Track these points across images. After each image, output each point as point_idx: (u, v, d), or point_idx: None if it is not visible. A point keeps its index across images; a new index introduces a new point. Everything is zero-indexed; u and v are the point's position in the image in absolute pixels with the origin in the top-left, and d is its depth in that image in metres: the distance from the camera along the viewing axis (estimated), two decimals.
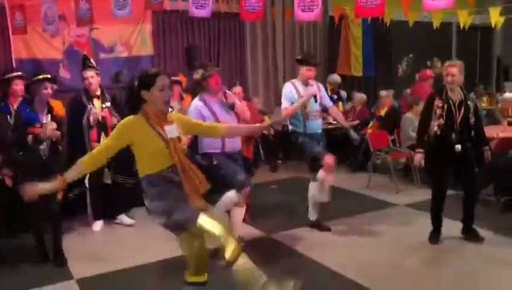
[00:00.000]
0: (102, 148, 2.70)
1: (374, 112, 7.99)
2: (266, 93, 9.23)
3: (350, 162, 7.77)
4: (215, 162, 4.06)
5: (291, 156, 7.91)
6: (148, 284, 3.77)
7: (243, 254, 2.60)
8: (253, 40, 9.06)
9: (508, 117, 7.51)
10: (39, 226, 4.32)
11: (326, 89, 8.45)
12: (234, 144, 4.20)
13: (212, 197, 4.17)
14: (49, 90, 4.09)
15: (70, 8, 6.44)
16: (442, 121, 4.17)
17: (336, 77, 8.78)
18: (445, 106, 4.18)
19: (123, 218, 5.21)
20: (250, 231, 4.83)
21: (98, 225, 5.06)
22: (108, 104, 4.85)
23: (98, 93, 4.86)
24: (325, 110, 5.02)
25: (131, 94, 2.73)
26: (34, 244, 4.30)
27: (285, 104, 4.59)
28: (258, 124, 3.71)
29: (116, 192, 5.08)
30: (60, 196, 4.01)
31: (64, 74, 7.29)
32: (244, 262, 2.56)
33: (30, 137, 4.00)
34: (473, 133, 4.31)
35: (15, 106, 4.71)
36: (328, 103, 4.91)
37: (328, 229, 4.83)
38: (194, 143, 4.19)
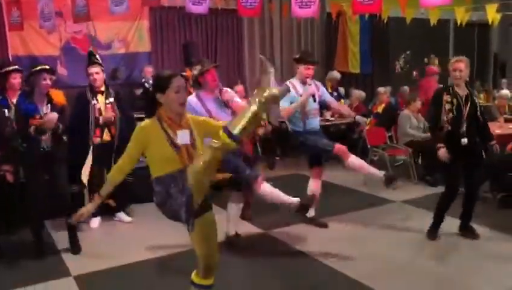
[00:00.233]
0: (126, 160, 2.69)
1: (371, 109, 8.01)
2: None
3: None
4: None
5: (288, 153, 7.91)
6: (145, 281, 3.78)
7: None
8: (251, 36, 9.06)
9: (505, 114, 7.56)
10: (38, 221, 4.33)
11: (325, 86, 8.51)
12: None
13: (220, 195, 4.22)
14: (48, 82, 4.08)
15: (67, 4, 6.43)
16: (451, 115, 4.18)
17: (335, 74, 8.79)
18: (454, 100, 4.19)
19: (121, 215, 5.21)
20: (248, 228, 4.84)
21: (95, 222, 5.06)
22: (111, 99, 4.84)
23: (103, 89, 4.86)
24: (325, 106, 5.00)
25: (146, 98, 2.69)
26: (32, 240, 4.30)
27: (284, 104, 4.58)
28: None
29: (115, 189, 5.07)
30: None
31: (61, 70, 7.28)
32: None
33: (32, 128, 4.00)
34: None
35: (13, 100, 4.70)
36: (328, 99, 4.91)
37: (325, 226, 4.85)
38: None
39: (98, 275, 3.89)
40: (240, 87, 6.01)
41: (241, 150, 4.47)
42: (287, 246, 4.41)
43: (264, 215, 5.22)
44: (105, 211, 5.16)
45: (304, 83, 4.64)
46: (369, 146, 6.71)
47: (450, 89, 4.26)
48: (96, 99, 4.79)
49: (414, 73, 11.35)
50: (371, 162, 6.94)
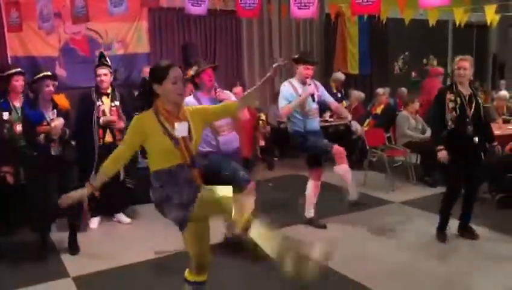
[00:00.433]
0: (120, 151, 2.66)
1: (369, 110, 8.01)
2: (262, 90, 9.21)
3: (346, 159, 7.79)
4: (211, 162, 4.03)
5: (287, 154, 7.92)
6: (144, 282, 3.78)
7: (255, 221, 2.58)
8: (250, 37, 9.06)
9: (503, 115, 7.56)
10: (45, 223, 4.32)
11: (330, 87, 8.53)
12: (231, 143, 4.14)
13: None
14: (51, 88, 4.11)
15: (65, 5, 6.42)
16: (455, 114, 4.16)
17: (339, 75, 8.83)
18: (458, 99, 4.18)
19: (121, 216, 5.21)
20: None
21: (94, 222, 5.06)
22: (117, 103, 4.83)
23: (109, 91, 4.86)
24: (325, 107, 5.00)
25: (143, 90, 2.64)
26: (34, 240, 4.29)
27: (282, 103, 4.59)
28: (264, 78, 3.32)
29: (115, 190, 5.08)
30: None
31: (60, 72, 7.25)
32: (257, 227, 2.55)
33: (42, 137, 4.01)
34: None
35: (15, 103, 4.72)
36: (328, 99, 4.89)
37: (324, 227, 4.85)
38: None
39: (97, 276, 3.89)
40: (238, 89, 6.00)
41: (241, 154, 4.49)
42: None
43: (262, 215, 5.21)
44: (105, 212, 5.17)
45: (303, 83, 4.64)
46: (368, 147, 6.71)
47: (454, 88, 4.24)
48: (102, 101, 4.79)
49: (413, 74, 11.37)
50: (370, 163, 6.96)
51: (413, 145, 6.60)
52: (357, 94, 8.48)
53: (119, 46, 7.81)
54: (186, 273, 2.85)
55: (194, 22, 8.39)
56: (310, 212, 4.89)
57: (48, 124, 4.05)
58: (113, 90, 4.89)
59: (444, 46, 11.67)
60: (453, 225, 4.50)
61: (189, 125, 2.61)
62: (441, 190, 4.56)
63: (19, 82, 4.75)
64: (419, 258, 4.09)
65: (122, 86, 7.42)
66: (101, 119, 4.73)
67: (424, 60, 11.55)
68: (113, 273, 3.92)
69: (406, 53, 11.20)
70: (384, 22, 8.40)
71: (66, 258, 4.20)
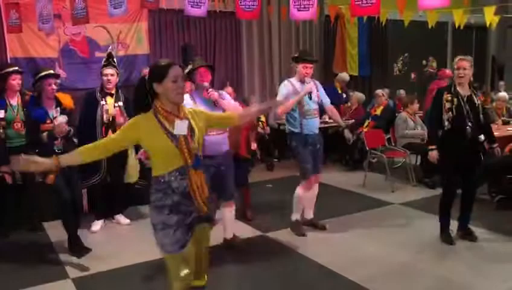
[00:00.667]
0: (106, 142, 2.61)
1: (369, 111, 8.02)
2: (262, 91, 9.24)
3: (346, 160, 7.81)
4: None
5: (287, 155, 7.92)
6: (143, 283, 3.77)
7: None
8: (249, 39, 9.07)
9: (503, 116, 7.57)
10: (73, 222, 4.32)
11: (335, 88, 8.52)
12: (219, 145, 4.03)
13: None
14: (54, 86, 4.20)
15: (66, 6, 6.43)
16: (451, 114, 4.15)
17: (344, 76, 8.85)
18: (455, 99, 4.17)
19: (120, 218, 5.20)
20: (246, 230, 4.84)
21: (97, 225, 5.03)
22: (120, 103, 4.85)
23: (113, 91, 4.87)
24: (322, 109, 4.98)
25: (142, 89, 2.56)
26: (32, 241, 4.31)
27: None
28: (264, 103, 3.33)
29: (116, 192, 5.09)
30: (50, 180, 3.96)
31: (60, 73, 7.26)
32: None
33: (45, 134, 4.07)
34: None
35: (12, 101, 4.73)
36: (325, 101, 4.87)
37: (324, 228, 4.84)
38: None
39: (96, 277, 3.89)
40: (228, 89, 6.00)
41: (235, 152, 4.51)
42: (285, 249, 4.41)
43: (262, 217, 5.22)
44: (105, 213, 5.17)
45: (302, 82, 4.63)
46: (367, 148, 6.72)
47: (452, 88, 4.24)
48: (106, 101, 4.81)
49: (412, 75, 11.38)
50: (370, 165, 6.97)
51: (413, 147, 6.61)
52: (358, 95, 8.49)
53: (119, 48, 7.82)
54: None
55: (194, 24, 8.40)
56: (309, 214, 4.89)
57: (52, 121, 4.12)
58: (117, 90, 4.92)
59: (443, 48, 11.69)
60: (453, 226, 4.50)
61: (189, 124, 2.54)
62: (440, 191, 4.55)
63: (16, 81, 4.76)
64: (419, 259, 4.08)
65: (121, 87, 7.44)
66: (105, 116, 4.75)
67: (424, 62, 11.57)
68: (113, 274, 3.92)
69: (406, 54, 11.22)
70: (383, 23, 8.40)
71: (66, 259, 4.20)
